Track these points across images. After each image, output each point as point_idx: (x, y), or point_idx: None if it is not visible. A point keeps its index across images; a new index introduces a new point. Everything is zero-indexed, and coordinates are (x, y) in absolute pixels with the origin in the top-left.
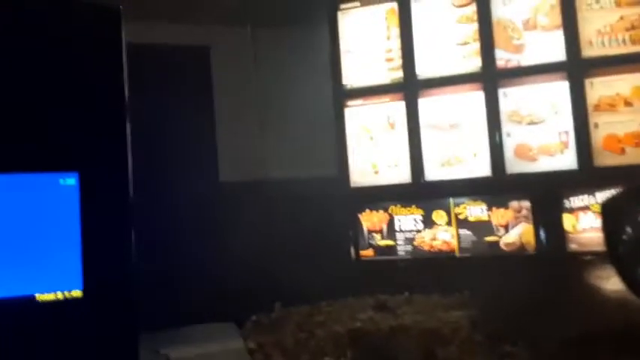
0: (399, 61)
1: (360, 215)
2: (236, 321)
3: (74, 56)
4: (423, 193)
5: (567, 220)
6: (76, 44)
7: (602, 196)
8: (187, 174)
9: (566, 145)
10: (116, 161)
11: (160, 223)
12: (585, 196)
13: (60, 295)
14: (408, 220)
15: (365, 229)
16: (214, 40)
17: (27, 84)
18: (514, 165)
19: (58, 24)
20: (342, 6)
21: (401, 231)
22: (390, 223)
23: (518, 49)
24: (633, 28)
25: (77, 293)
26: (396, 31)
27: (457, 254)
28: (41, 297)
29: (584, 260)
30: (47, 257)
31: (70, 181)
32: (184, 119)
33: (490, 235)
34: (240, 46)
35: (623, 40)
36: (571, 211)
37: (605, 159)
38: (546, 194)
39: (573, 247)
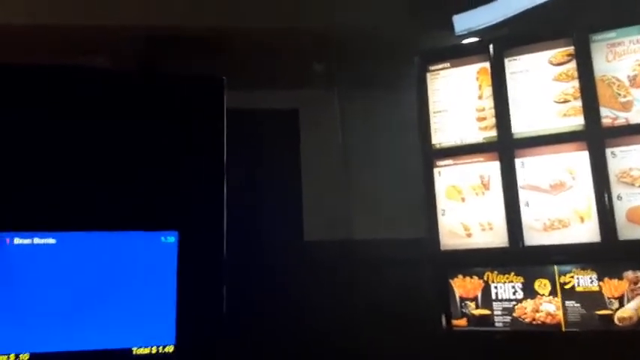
0: (491, 120)
1: (451, 281)
2: None
3: (180, 124)
4: (523, 259)
5: None
6: (181, 113)
7: None
8: (274, 233)
9: None
10: (213, 221)
11: (248, 281)
12: None
13: (154, 350)
14: (506, 288)
15: (457, 296)
16: (303, 103)
17: (136, 149)
18: (627, 230)
19: (170, 97)
20: (432, 67)
21: (498, 300)
22: (486, 290)
23: (626, 106)
24: None
25: (170, 348)
26: (488, 90)
27: (563, 328)
28: (137, 351)
29: None
30: (144, 312)
31: (171, 239)
32: (273, 180)
33: (602, 308)
34: (328, 108)
35: None
36: None
37: None
38: None
39: None
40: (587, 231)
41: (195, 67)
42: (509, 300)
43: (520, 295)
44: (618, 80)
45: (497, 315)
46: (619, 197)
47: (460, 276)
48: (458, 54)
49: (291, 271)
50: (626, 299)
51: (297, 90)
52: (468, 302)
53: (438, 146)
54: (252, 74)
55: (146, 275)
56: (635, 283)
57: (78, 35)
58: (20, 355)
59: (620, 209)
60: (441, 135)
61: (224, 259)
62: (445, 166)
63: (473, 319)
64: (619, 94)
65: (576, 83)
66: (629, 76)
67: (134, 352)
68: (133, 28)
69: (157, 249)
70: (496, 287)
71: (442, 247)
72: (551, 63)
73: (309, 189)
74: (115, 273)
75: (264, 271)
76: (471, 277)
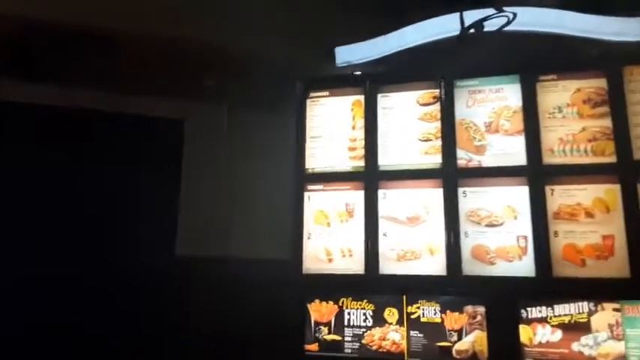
0: (361, 151)
1: (309, 305)
2: None
3: None
4: (376, 287)
5: (524, 332)
6: None
7: (561, 308)
8: (145, 245)
9: (524, 250)
10: None
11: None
12: (543, 308)
13: None
14: (358, 314)
15: (313, 320)
16: (189, 115)
17: None
18: (471, 266)
19: None
20: (312, 94)
21: (350, 326)
22: (340, 316)
23: (480, 150)
24: (595, 139)
25: None
26: (361, 122)
27: (406, 357)
28: None
29: None
30: None
31: None
32: (152, 190)
33: (442, 339)
34: (214, 122)
35: (585, 151)
36: (528, 322)
37: (565, 269)
38: (502, 301)
39: None
40: (435, 264)
41: (84, 65)
42: (360, 327)
43: (370, 322)
44: (475, 125)
45: (347, 341)
46: (466, 234)
47: (317, 300)
48: (336, 84)
49: (158, 284)
50: (464, 332)
51: (186, 101)
52: (321, 327)
53: (310, 171)
54: (141, 79)
55: None
56: (474, 318)
57: None
58: None
59: (467, 246)
60: (315, 160)
61: None
62: (315, 190)
63: (324, 344)
64: (475, 138)
65: (439, 124)
66: (485, 122)
67: None
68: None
69: None
70: (349, 313)
71: (305, 271)
72: (418, 103)
73: (187, 201)
74: None
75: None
76: (327, 302)
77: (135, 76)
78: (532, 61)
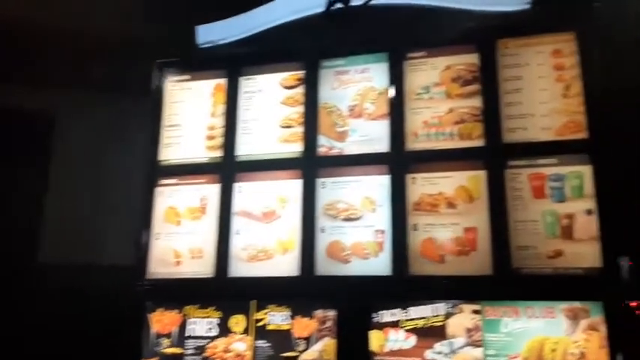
0: (220, 140)
1: (150, 315)
2: None
3: None
4: (225, 292)
5: (375, 338)
6: None
7: (416, 311)
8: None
9: (381, 246)
10: None
11: None
12: (397, 310)
13: None
14: (203, 324)
15: (154, 331)
16: (56, 106)
17: None
18: (325, 266)
19: None
20: (173, 78)
21: (192, 337)
22: (183, 326)
23: (342, 136)
24: (462, 121)
25: None
26: (222, 108)
27: None
28: None
29: None
30: None
31: None
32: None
33: (289, 349)
34: (82, 113)
35: (451, 134)
36: (380, 326)
37: (423, 267)
38: (354, 304)
39: None
40: (288, 264)
41: None
42: (203, 338)
43: (215, 332)
44: (339, 109)
45: (188, 354)
46: (322, 230)
47: (161, 309)
48: (198, 67)
49: None
50: (313, 340)
51: (46, 91)
52: (163, 339)
53: (165, 163)
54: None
55: None
56: (324, 323)
57: None
58: None
59: (322, 243)
60: (171, 151)
61: None
62: (168, 185)
63: (163, 359)
64: (337, 124)
65: (301, 109)
66: (349, 106)
67: None
68: None
69: None
70: (194, 323)
71: (150, 276)
72: (282, 86)
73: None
74: None
75: None
76: (171, 311)
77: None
78: (401, 37)
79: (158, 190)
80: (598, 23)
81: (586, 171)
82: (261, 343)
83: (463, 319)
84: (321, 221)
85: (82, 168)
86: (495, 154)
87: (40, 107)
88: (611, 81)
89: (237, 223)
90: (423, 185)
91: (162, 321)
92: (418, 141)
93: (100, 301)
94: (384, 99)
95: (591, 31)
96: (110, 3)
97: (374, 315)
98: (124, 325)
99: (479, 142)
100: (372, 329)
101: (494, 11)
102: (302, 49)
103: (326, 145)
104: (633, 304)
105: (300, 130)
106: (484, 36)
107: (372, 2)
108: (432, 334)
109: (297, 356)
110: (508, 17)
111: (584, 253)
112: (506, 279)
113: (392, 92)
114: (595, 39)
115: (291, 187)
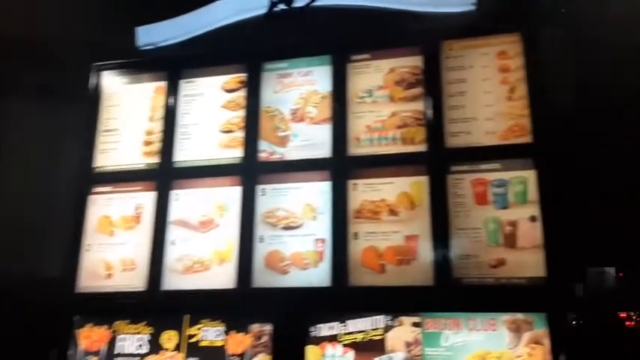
0: (158, 145)
1: (78, 331)
2: None
3: None
4: (157, 306)
5: (311, 354)
6: None
7: (355, 324)
8: None
9: (321, 256)
10: None
11: None
12: (335, 323)
13: None
14: (133, 340)
15: (81, 349)
16: None
17: None
18: (263, 277)
19: None
20: (110, 81)
21: (121, 355)
22: (112, 343)
23: (283, 141)
24: (405, 125)
25: None
26: (161, 112)
27: None
28: None
29: None
30: None
31: None
32: None
33: None
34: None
35: (394, 139)
36: (317, 341)
37: (363, 277)
38: (291, 318)
39: None
40: (225, 276)
41: None
42: (133, 355)
43: (145, 349)
44: (281, 113)
45: None
46: (261, 239)
47: (89, 325)
48: (137, 69)
49: None
50: (247, 357)
51: None
52: (91, 357)
53: (99, 170)
54: None
55: None
56: (259, 338)
57: None
58: None
59: (261, 253)
60: (107, 157)
61: None
62: (102, 193)
63: None
64: (279, 128)
65: (243, 113)
66: (292, 110)
67: None
68: None
69: None
70: (123, 339)
71: (78, 290)
72: (223, 89)
73: None
74: None
75: None
76: (100, 327)
77: None
78: (345, 39)
79: (91, 198)
80: (543, 24)
81: (530, 176)
82: None
83: (403, 332)
84: (260, 230)
85: (15, 175)
86: (438, 159)
87: None
88: (557, 83)
89: (172, 232)
90: (364, 191)
91: (90, 337)
92: (360, 146)
93: (25, 317)
94: (327, 103)
95: (536, 31)
96: (46, 3)
97: (311, 329)
98: (51, 342)
99: (421, 147)
100: (309, 344)
101: (439, 12)
102: (244, 51)
103: (267, 151)
104: (622, 315)
105: (240, 134)
106: (428, 37)
107: (315, 3)
108: (370, 348)
109: None
110: (453, 18)
111: (528, 261)
112: (447, 289)
113: (334, 96)
114: (540, 40)
115: (230, 194)
